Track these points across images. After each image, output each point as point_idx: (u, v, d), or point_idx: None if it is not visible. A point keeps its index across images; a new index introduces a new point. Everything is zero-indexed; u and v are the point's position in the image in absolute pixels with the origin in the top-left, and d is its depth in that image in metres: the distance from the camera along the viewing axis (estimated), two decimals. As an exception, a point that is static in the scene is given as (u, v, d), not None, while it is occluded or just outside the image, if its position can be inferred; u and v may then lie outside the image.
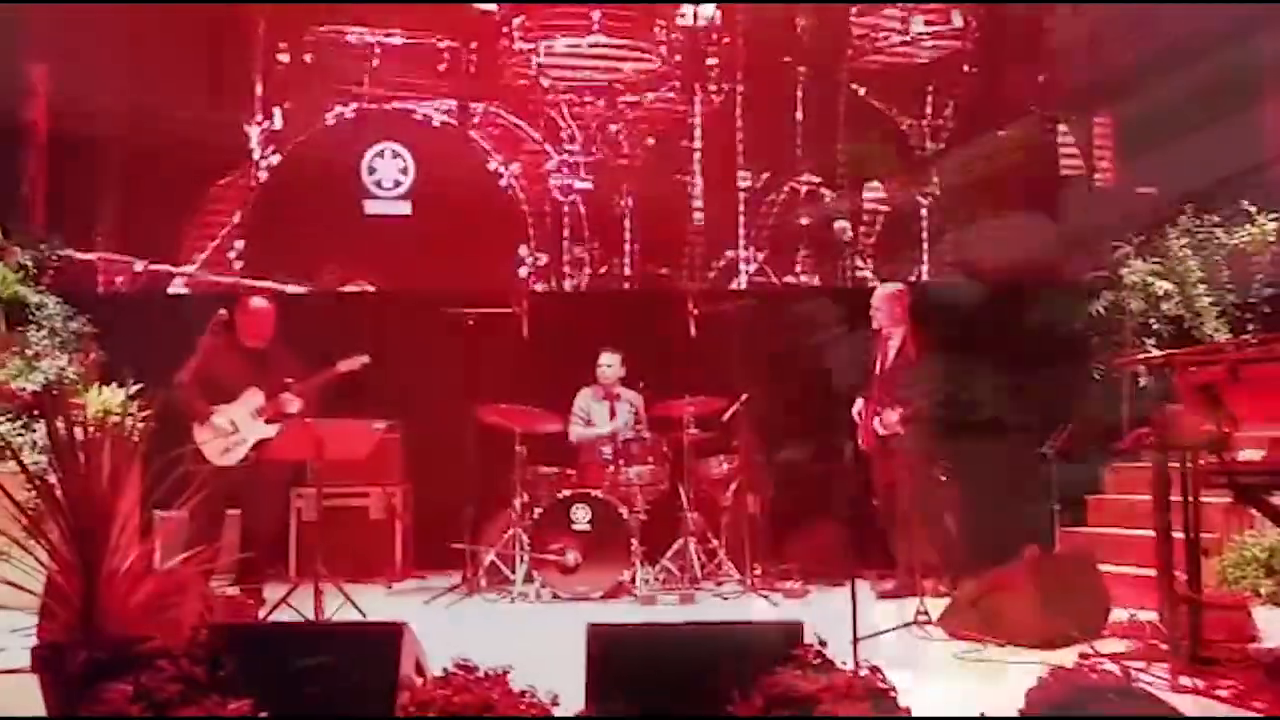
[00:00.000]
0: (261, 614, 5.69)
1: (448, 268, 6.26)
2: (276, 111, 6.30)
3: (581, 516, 6.33)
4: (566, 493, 6.43)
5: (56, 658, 3.09)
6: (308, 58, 6.59)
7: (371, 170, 6.27)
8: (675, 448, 6.61)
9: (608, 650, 2.97)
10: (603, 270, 6.73)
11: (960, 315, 6.21)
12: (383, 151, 6.26)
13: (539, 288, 7.22)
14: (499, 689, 3.05)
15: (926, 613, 4.95)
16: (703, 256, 6.65)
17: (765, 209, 6.78)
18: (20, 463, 4.74)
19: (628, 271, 6.59)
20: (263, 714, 2.94)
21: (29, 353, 6.62)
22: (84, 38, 6.37)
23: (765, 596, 6.17)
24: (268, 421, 5.99)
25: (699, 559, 6.46)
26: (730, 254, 6.75)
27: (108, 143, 6.48)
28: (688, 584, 6.31)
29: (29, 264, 7.12)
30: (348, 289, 7.19)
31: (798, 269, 7.04)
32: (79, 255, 6.38)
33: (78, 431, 3.41)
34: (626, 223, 6.49)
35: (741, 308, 6.44)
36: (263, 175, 6.27)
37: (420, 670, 3.27)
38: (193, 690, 2.96)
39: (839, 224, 6.49)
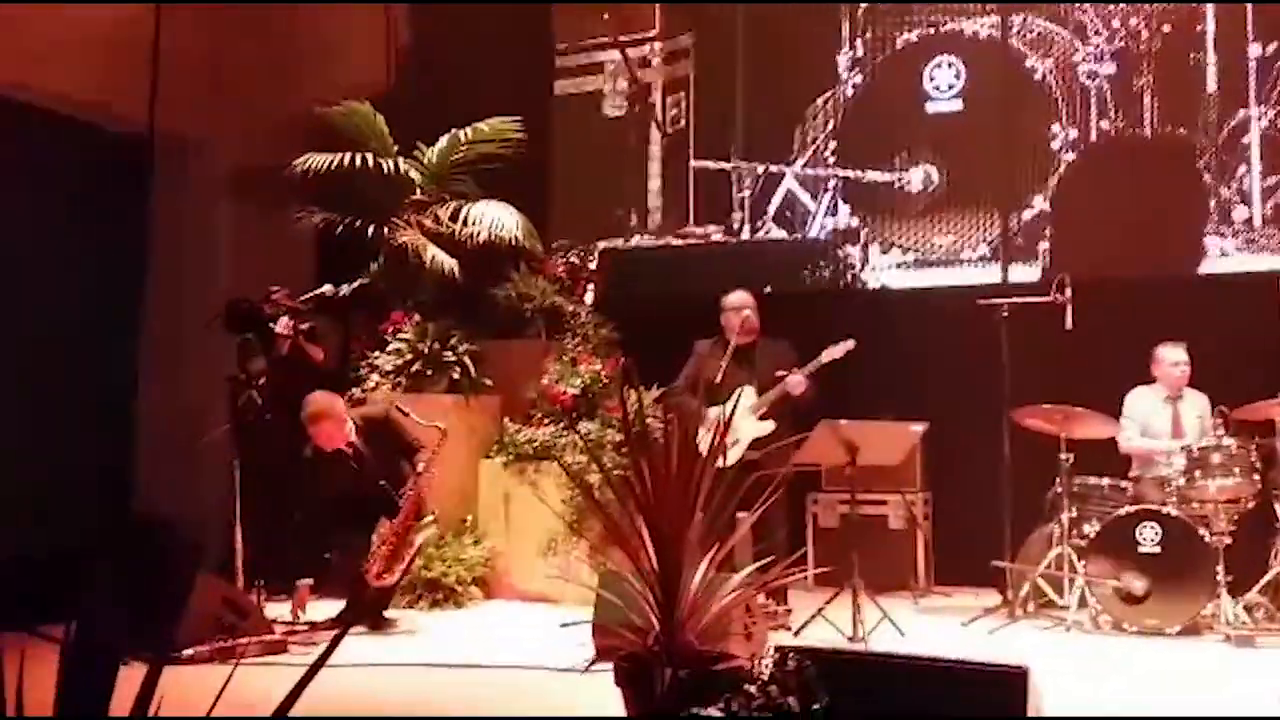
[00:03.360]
0: (794, 625, 5.48)
1: (992, 143, 7.41)
2: (858, 42, 7.83)
3: (1149, 537, 5.42)
4: (1129, 509, 5.56)
5: (643, 674, 2.93)
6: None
7: (931, 79, 7.57)
8: (1264, 457, 5.49)
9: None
10: (1127, 132, 7.27)
11: None
12: (940, 63, 7.54)
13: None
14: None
15: None
16: (1218, 118, 7.01)
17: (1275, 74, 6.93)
18: (600, 465, 4.80)
19: (1148, 132, 7.19)
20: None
21: (566, 358, 6.97)
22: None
23: None
24: (761, 418, 5.78)
25: (1300, 593, 5.30)
26: (1241, 113, 6.99)
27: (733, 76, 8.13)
28: (1292, 623, 5.19)
29: (564, 276, 7.55)
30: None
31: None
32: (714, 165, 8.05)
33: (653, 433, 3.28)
34: (1146, 98, 7.14)
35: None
36: (849, 90, 7.83)
37: (1037, 721, 2.74)
38: (787, 723, 2.66)
39: None
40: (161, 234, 6.95)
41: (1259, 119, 6.84)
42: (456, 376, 6.96)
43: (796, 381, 5.70)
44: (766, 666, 2.84)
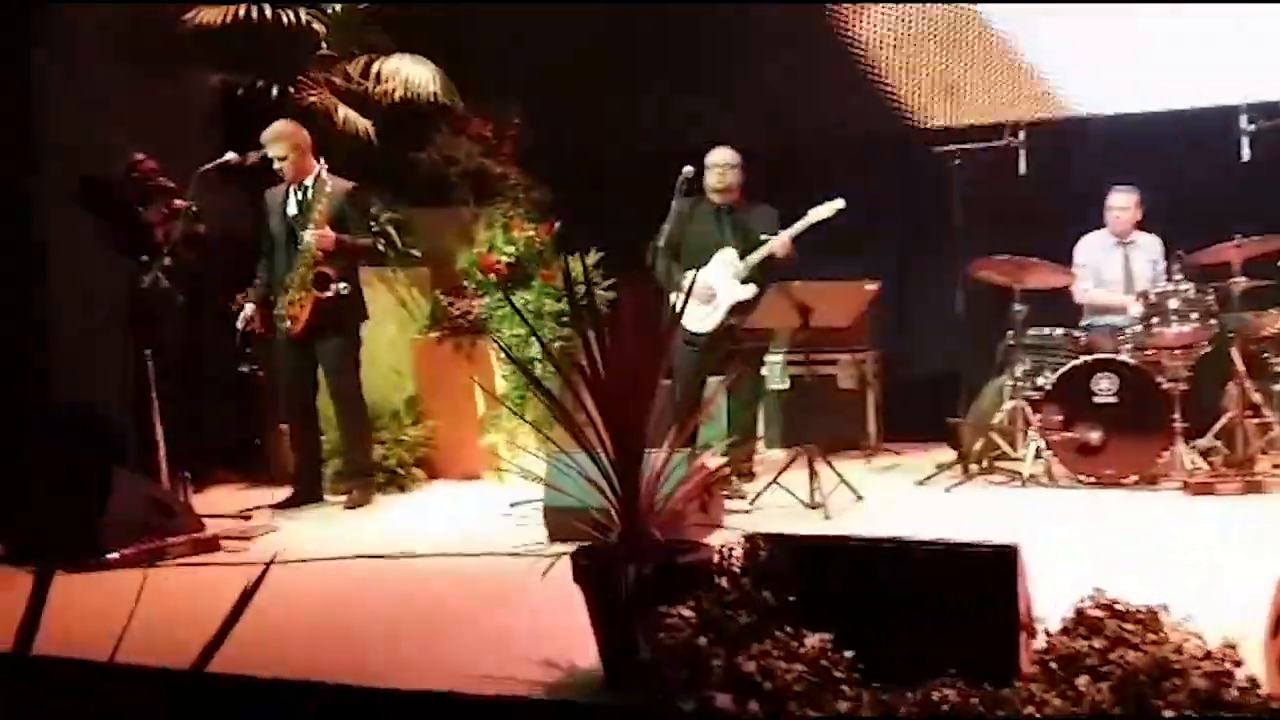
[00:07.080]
0: (749, 495, 5.31)
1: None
2: None
3: (1105, 387, 5.31)
4: (1085, 358, 5.42)
5: (603, 570, 2.69)
6: None
7: None
8: (1221, 300, 5.36)
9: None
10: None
11: None
12: None
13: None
14: (1157, 634, 2.29)
15: None
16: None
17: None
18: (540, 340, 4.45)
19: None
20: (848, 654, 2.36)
21: (497, 224, 6.57)
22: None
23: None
24: (743, 283, 5.55)
25: (1252, 436, 5.26)
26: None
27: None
28: (1246, 467, 5.15)
29: (489, 135, 7.07)
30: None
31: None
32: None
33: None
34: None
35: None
36: None
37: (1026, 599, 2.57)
38: (764, 619, 2.46)
39: None
40: (45, 99, 6.25)
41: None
42: (381, 248, 6.53)
43: (780, 244, 5.47)
44: (736, 558, 2.64)
